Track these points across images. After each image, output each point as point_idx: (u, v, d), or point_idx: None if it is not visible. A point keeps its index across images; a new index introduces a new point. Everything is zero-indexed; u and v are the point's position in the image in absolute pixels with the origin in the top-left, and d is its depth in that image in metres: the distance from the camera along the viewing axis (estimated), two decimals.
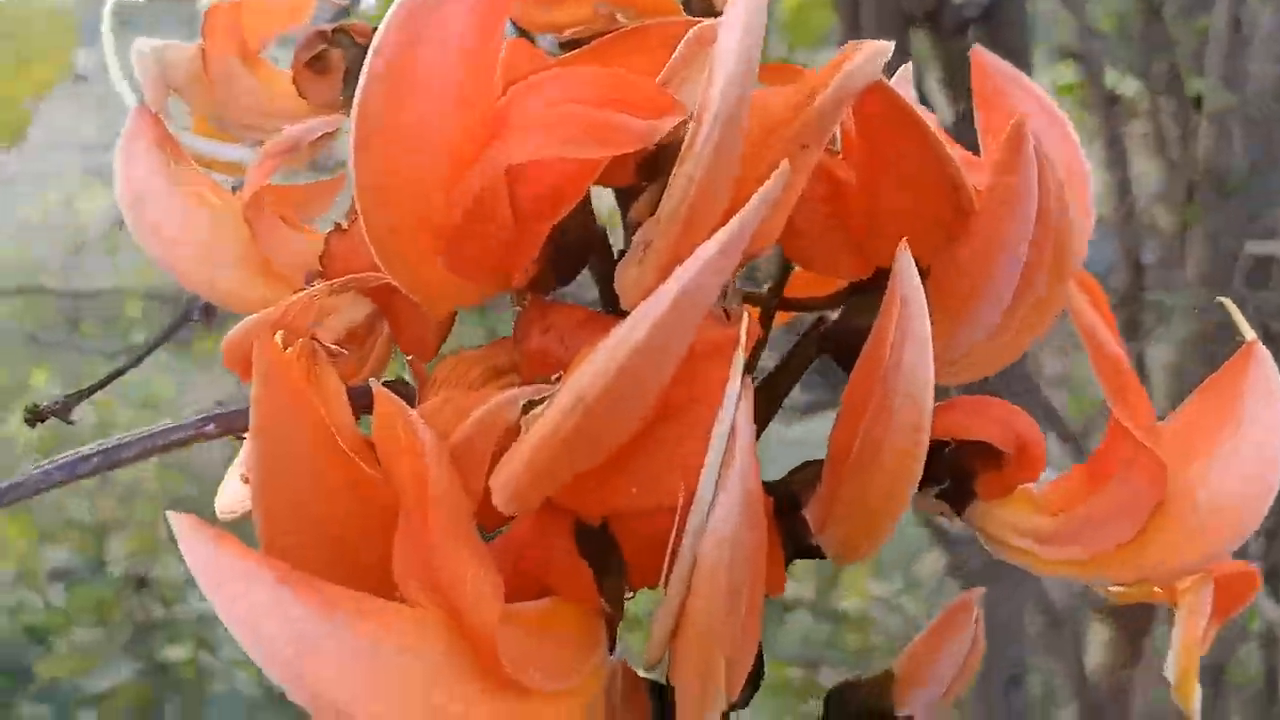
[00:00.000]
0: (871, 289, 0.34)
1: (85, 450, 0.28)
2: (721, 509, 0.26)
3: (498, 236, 0.30)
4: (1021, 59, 2.15)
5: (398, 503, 0.28)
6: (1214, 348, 2.63)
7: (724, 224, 0.25)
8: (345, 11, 0.45)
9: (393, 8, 0.27)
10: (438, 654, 0.26)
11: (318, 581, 0.26)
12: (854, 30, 1.98)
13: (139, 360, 0.45)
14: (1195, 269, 2.74)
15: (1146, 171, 3.34)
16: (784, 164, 0.27)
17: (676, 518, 0.26)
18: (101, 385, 0.41)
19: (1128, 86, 3.34)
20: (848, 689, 0.34)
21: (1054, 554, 0.32)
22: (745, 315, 0.28)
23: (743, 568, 0.27)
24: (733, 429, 0.26)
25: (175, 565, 3.56)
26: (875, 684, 0.34)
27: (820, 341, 0.34)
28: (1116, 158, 3.26)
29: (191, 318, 0.46)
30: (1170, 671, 0.34)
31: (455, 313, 0.36)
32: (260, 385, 0.26)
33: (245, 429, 0.32)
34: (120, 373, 0.43)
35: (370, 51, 0.27)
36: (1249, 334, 0.34)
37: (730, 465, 0.26)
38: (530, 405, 0.29)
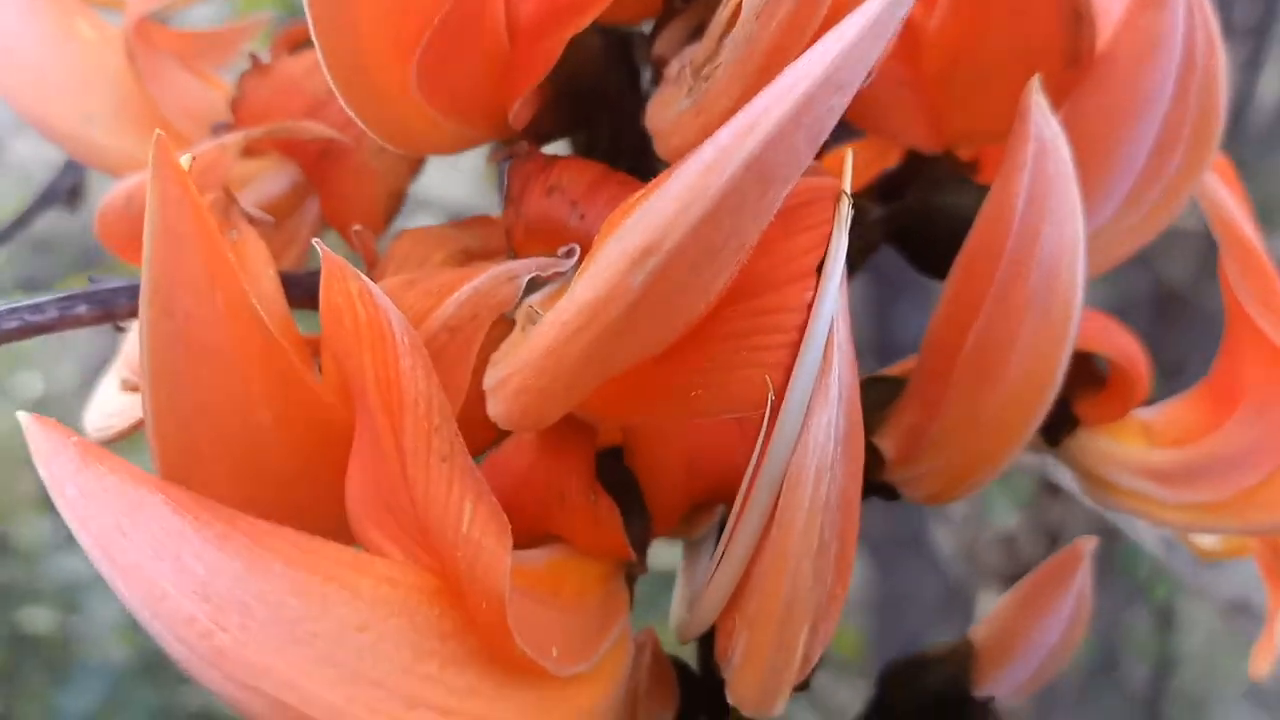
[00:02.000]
0: (943, 163, 0.27)
1: None
2: (818, 425, 0.18)
3: (489, 54, 0.22)
4: None
5: (349, 419, 0.20)
6: None
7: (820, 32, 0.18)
8: None
9: None
10: (424, 627, 0.18)
11: (235, 514, 0.17)
12: None
13: None
14: None
15: None
16: None
17: (758, 439, 0.19)
18: None
19: None
20: (912, 666, 0.27)
21: (1178, 498, 0.26)
22: (849, 155, 0.20)
23: (838, 507, 0.19)
24: (832, 319, 0.19)
25: (38, 525, 3.36)
26: (948, 659, 0.26)
27: (885, 225, 0.27)
28: None
29: (55, 200, 0.36)
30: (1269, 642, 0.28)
31: (406, 179, 0.28)
32: (158, 233, 0.17)
33: (129, 315, 0.23)
34: None
35: None
36: None
37: (829, 368, 0.19)
38: (533, 286, 0.22)
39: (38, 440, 0.17)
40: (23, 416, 0.18)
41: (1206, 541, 0.30)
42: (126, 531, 0.16)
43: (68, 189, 0.36)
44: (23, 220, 0.36)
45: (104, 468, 0.17)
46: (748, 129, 0.16)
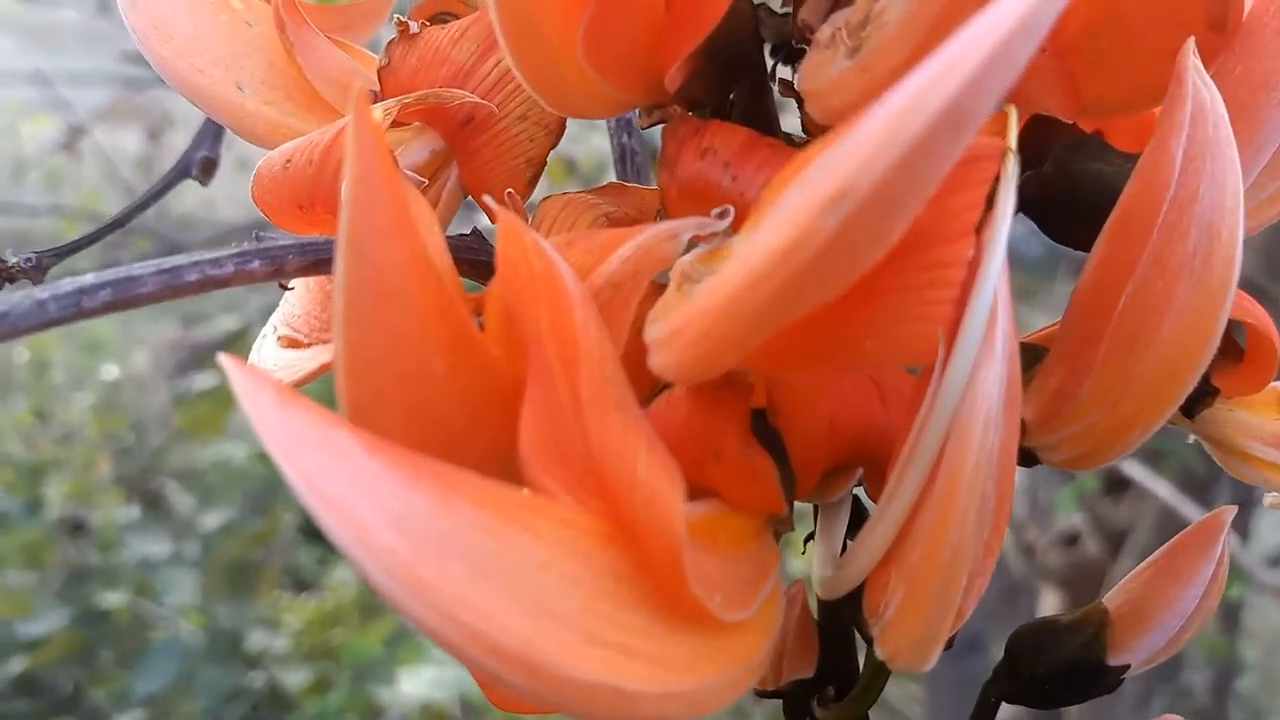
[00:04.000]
0: (1076, 133, 0.27)
1: (88, 280, 0.20)
2: (985, 378, 0.19)
3: (648, 22, 0.22)
4: None
5: (512, 373, 0.21)
6: None
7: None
8: None
9: None
10: (599, 568, 0.18)
11: (420, 456, 0.18)
12: None
13: (130, 218, 0.36)
14: None
15: None
16: None
17: (929, 389, 0.19)
18: (79, 247, 0.33)
19: None
20: (1044, 631, 0.27)
21: None
22: (1013, 113, 0.20)
23: (998, 461, 0.20)
24: (995, 273, 0.19)
25: (113, 510, 3.44)
26: (1083, 625, 0.27)
27: (1021, 194, 0.27)
28: None
29: (189, 174, 0.37)
30: None
31: (545, 147, 0.29)
32: (355, 180, 0.18)
33: (297, 271, 0.24)
34: (111, 229, 0.35)
35: None
36: None
37: (995, 323, 0.19)
38: (693, 246, 0.22)
39: (239, 380, 0.17)
40: (222, 358, 0.19)
41: None
42: (327, 467, 0.17)
43: (200, 162, 0.38)
44: (160, 192, 0.37)
45: (300, 408, 0.18)
46: (945, 73, 0.16)
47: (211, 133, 0.37)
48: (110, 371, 3.94)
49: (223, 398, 3.20)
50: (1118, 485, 1.75)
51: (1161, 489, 1.29)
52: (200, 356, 3.28)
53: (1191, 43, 0.22)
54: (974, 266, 0.19)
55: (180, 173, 0.37)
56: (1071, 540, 1.87)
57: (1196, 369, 0.22)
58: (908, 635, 0.21)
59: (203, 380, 3.33)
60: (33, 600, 2.44)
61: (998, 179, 0.22)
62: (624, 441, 0.19)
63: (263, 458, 4.58)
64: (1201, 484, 1.49)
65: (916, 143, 0.16)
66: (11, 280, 0.32)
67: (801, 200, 0.17)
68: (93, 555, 2.74)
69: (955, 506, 0.19)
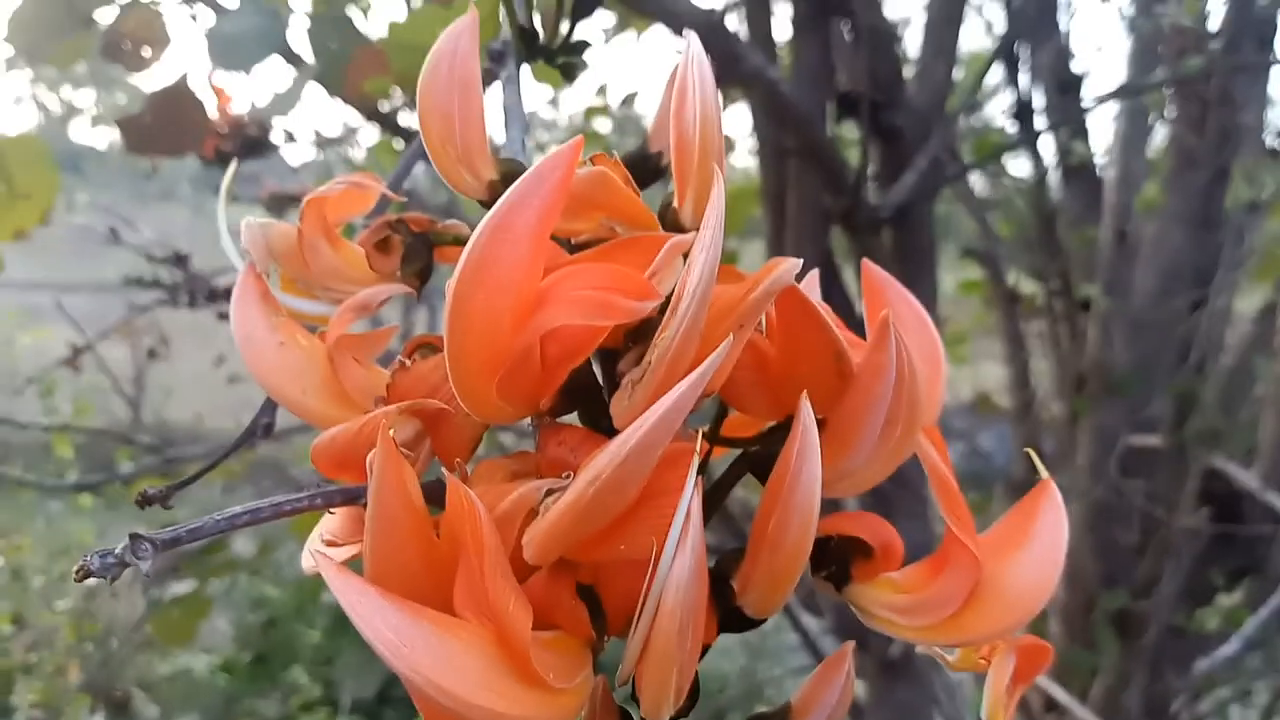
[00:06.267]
0: (781, 429, 0.49)
1: (238, 509, 0.41)
2: (679, 565, 0.39)
3: (533, 376, 0.44)
4: (928, 257, 2.39)
5: (455, 557, 0.41)
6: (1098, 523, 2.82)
7: (691, 371, 0.39)
8: (402, 205, 0.60)
9: (484, 218, 0.41)
10: (489, 655, 0.38)
11: (408, 601, 0.38)
12: (779, 225, 2.19)
13: (216, 464, 0.57)
14: (1084, 457, 2.96)
15: (1044, 369, 3.61)
16: (730, 336, 0.41)
17: (648, 571, 0.39)
18: (194, 479, 0.53)
19: (1027, 286, 3.64)
20: (760, 716, 0.47)
21: (906, 622, 0.46)
22: (699, 435, 0.42)
23: (691, 609, 0.40)
24: (689, 511, 0.40)
25: (80, 717, 3.46)
26: (778, 714, 0.46)
27: (749, 462, 0.48)
28: (1016, 353, 3.53)
29: (254, 434, 0.58)
30: (984, 712, 0.47)
31: (484, 430, 0.50)
32: (382, 470, 0.39)
33: (343, 504, 0.44)
34: (206, 470, 0.56)
35: (468, 245, 0.41)
36: (1045, 474, 0.49)
37: (687, 535, 0.40)
38: (549, 493, 0.43)
39: (324, 564, 0.38)
40: (315, 554, 0.39)
41: (950, 656, 0.50)
42: (361, 603, 0.37)
43: (263, 427, 0.58)
44: (235, 447, 0.57)
45: (349, 576, 0.38)
46: (640, 424, 0.38)
47: (271, 408, 0.58)
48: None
49: (195, 605, 3.30)
50: None
51: None
52: (177, 565, 3.36)
53: (805, 395, 0.44)
54: (677, 506, 0.40)
55: (250, 433, 0.58)
56: None
57: (801, 565, 0.42)
58: (648, 700, 0.40)
59: (178, 587, 3.42)
60: None
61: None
62: (504, 594, 0.39)
63: (225, 668, 4.58)
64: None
65: (630, 453, 0.37)
66: (149, 505, 0.52)
67: (582, 476, 0.38)
68: None
69: (668, 630, 0.39)
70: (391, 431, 0.45)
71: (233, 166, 0.59)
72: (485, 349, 0.42)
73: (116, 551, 0.37)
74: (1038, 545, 0.47)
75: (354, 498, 0.45)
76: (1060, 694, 2.20)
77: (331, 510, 0.46)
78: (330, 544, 0.47)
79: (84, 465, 3.69)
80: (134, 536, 0.38)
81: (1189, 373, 2.71)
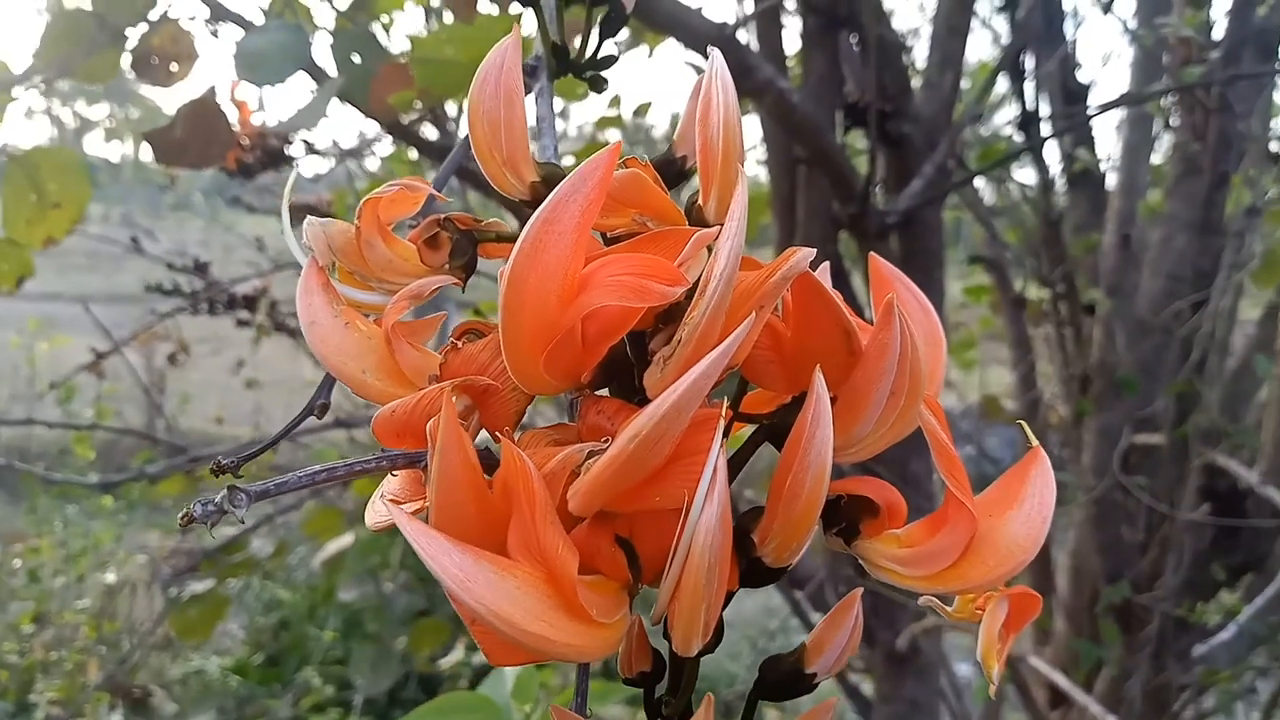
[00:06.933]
0: (796, 403, 0.54)
1: (317, 467, 0.46)
2: (708, 512, 0.45)
3: (575, 353, 0.49)
4: (936, 262, 2.44)
5: (508, 510, 0.46)
6: (1101, 517, 2.87)
7: (717, 346, 0.45)
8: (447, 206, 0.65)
9: (535, 213, 0.47)
10: (541, 591, 0.44)
11: (470, 546, 0.44)
12: (788, 231, 2.25)
13: (277, 441, 0.62)
14: (1089, 456, 3.01)
15: (1050, 371, 3.65)
16: (750, 316, 0.46)
17: (680, 521, 0.45)
18: (260, 451, 0.59)
19: (1033, 291, 3.69)
20: (777, 658, 0.52)
21: (908, 572, 0.51)
22: (724, 402, 0.47)
23: (718, 551, 0.45)
24: (716, 466, 0.45)
25: (99, 713, 3.52)
26: (793, 653, 0.52)
27: (767, 432, 0.54)
28: (1022, 357, 3.57)
29: (311, 412, 0.64)
30: (978, 653, 0.52)
31: (528, 404, 0.55)
32: (445, 434, 0.44)
33: (404, 466, 0.50)
34: (270, 445, 0.61)
35: (521, 235, 0.46)
36: (1034, 442, 0.54)
37: (714, 486, 0.45)
38: (590, 455, 0.48)
39: (400, 518, 0.43)
40: (386, 503, 0.44)
41: (949, 606, 0.55)
42: (431, 545, 0.43)
43: (319, 406, 0.64)
44: (294, 424, 0.63)
45: (419, 524, 0.43)
46: (676, 387, 0.43)
47: (329, 385, 0.64)
48: (108, 578, 4.12)
49: (213, 603, 3.36)
50: None
51: None
52: (197, 563, 3.42)
53: (818, 368, 0.49)
54: (706, 462, 0.45)
55: (307, 412, 0.63)
56: None
57: (815, 519, 0.47)
58: (679, 634, 0.46)
59: (197, 585, 3.48)
60: None
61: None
62: (553, 540, 0.44)
63: (237, 670, 4.64)
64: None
65: (664, 414, 0.43)
66: (222, 473, 0.57)
67: (621, 436, 0.44)
68: None
69: (698, 570, 0.44)
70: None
71: (293, 175, 0.65)
72: (535, 326, 0.47)
73: (216, 500, 0.43)
74: (1029, 503, 0.52)
75: (415, 461, 0.50)
76: (1065, 683, 2.24)
77: (394, 472, 0.51)
78: (394, 502, 0.53)
79: (101, 469, 3.76)
80: (231, 488, 0.43)
81: (1189, 372, 2.76)
